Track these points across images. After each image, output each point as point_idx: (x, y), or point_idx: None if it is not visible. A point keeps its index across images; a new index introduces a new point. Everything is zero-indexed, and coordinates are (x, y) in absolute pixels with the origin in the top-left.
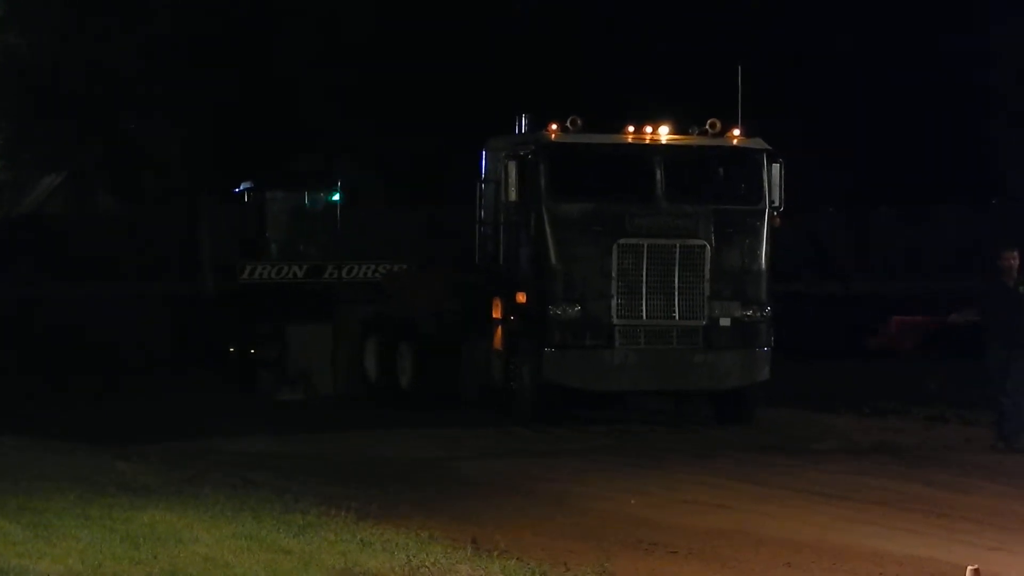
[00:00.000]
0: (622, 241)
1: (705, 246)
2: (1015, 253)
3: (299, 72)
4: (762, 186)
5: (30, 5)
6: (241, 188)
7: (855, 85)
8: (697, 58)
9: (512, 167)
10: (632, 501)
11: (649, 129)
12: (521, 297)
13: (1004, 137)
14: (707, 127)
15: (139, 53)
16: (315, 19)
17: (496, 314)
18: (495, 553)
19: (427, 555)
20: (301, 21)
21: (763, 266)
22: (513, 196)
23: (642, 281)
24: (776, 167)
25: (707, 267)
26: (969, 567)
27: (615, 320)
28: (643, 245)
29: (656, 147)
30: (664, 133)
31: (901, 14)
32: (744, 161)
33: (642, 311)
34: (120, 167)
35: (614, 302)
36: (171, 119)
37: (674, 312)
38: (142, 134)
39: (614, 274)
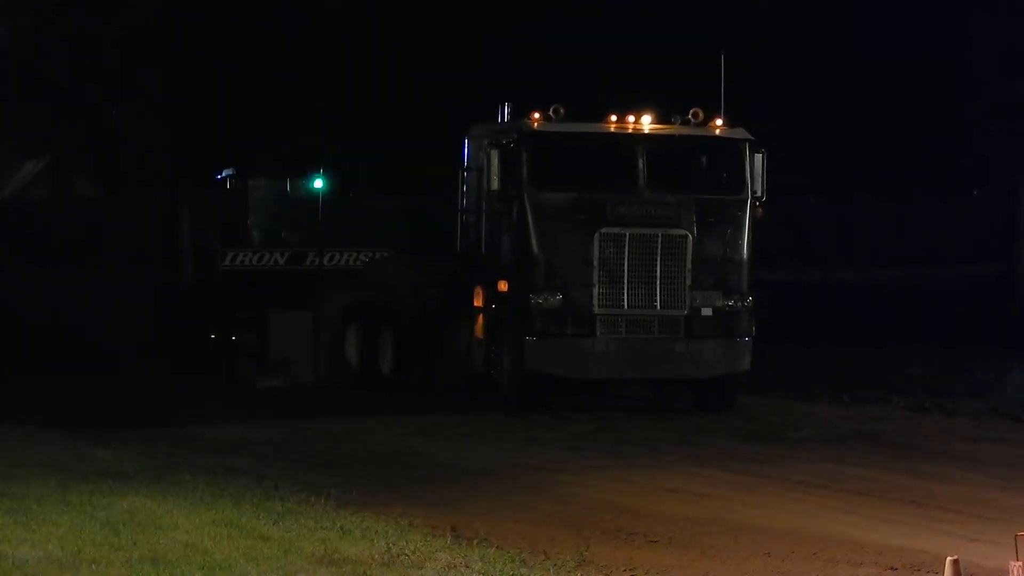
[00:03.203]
0: (604, 230)
1: (687, 236)
2: None
3: (280, 57)
4: (744, 176)
5: None
6: (223, 175)
7: (838, 72)
8: (679, 45)
9: (494, 155)
10: (612, 489)
11: (632, 118)
12: (503, 285)
13: (985, 125)
14: (690, 116)
15: (120, 35)
16: (296, 3)
17: (478, 302)
18: (475, 541)
19: (407, 543)
20: (282, 5)
21: (745, 256)
22: (495, 184)
23: (624, 270)
24: (758, 157)
25: (689, 257)
26: (949, 557)
27: (596, 309)
28: (625, 234)
29: (638, 136)
30: (647, 122)
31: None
32: (726, 151)
33: (623, 300)
34: (101, 151)
35: (596, 291)
36: (152, 103)
37: (656, 301)
38: (123, 118)
39: (596, 263)
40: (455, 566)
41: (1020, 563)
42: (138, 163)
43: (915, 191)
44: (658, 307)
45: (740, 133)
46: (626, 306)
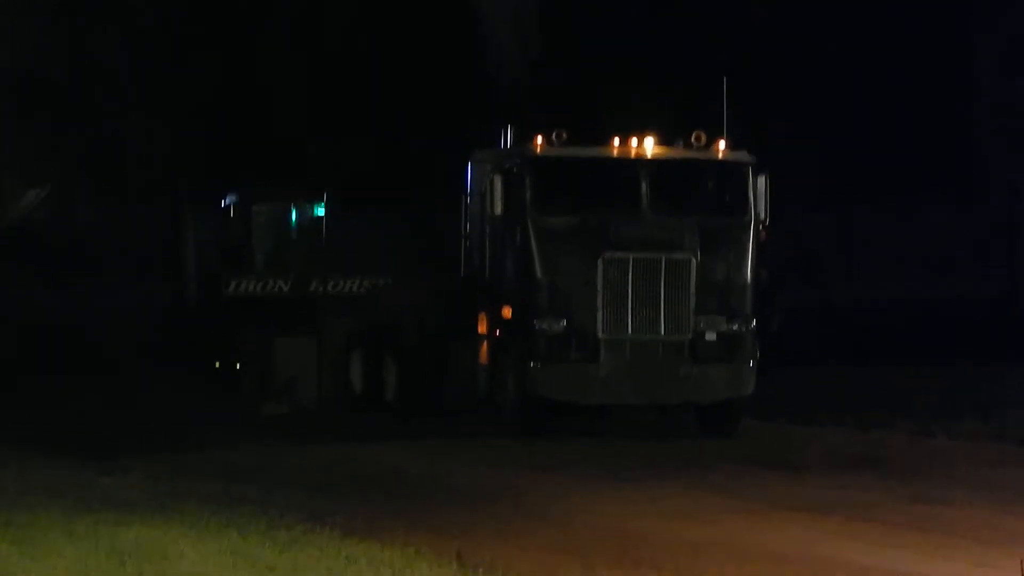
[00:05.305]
0: (608, 254)
1: (691, 259)
2: None
3: (282, 81)
4: (748, 199)
5: (9, 7)
6: (227, 201)
7: (841, 86)
8: (682, 64)
9: (497, 180)
10: (617, 514)
11: (634, 142)
12: (507, 311)
13: (988, 138)
14: (692, 140)
15: (121, 48)
16: (299, 24)
17: (482, 328)
18: (480, 568)
19: (412, 571)
20: (285, 25)
21: (749, 279)
22: (499, 209)
23: (628, 294)
24: (762, 180)
25: (693, 281)
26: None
27: (601, 334)
28: (629, 259)
29: (641, 160)
30: (649, 146)
31: (886, 14)
32: (730, 174)
33: (628, 325)
34: (102, 164)
35: (600, 316)
36: (155, 116)
37: (660, 326)
38: (125, 130)
39: (600, 287)
40: None
41: None
42: (140, 174)
43: (918, 208)
44: (662, 331)
45: (743, 156)
46: (630, 331)
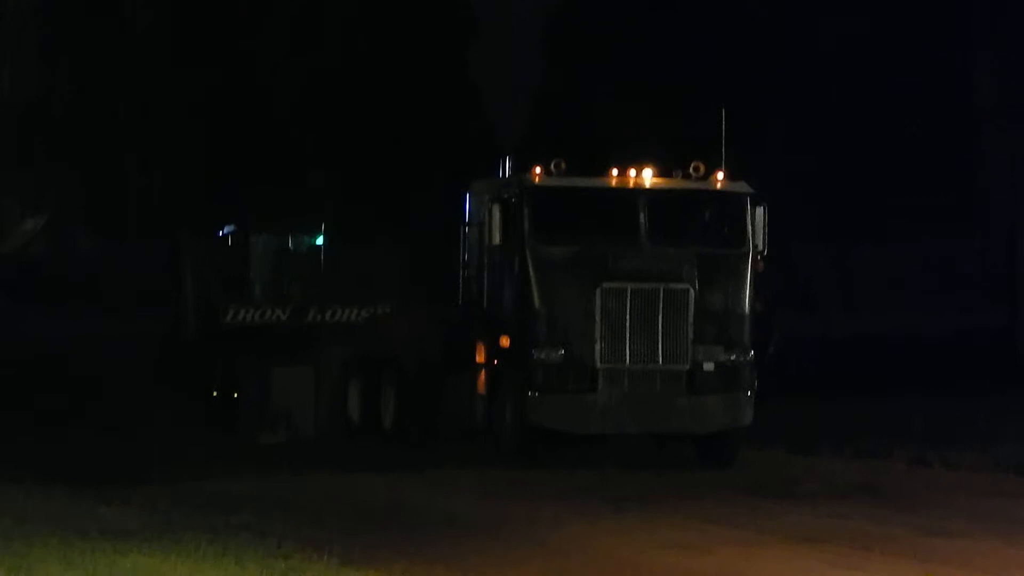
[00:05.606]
0: (606, 284)
1: (689, 290)
2: None
3: (281, 108)
4: (745, 230)
5: (10, 42)
6: (225, 231)
7: (838, 117)
8: (679, 95)
9: (496, 210)
10: (614, 543)
11: (633, 172)
12: (504, 340)
13: (987, 168)
14: (691, 170)
15: (120, 80)
16: (298, 54)
17: (479, 357)
18: None
19: None
20: (281, 52)
21: (747, 309)
22: (497, 239)
23: (626, 324)
24: (760, 210)
25: (691, 311)
26: None
27: (599, 364)
28: (627, 289)
29: (640, 191)
30: (648, 177)
31: (885, 43)
32: (728, 205)
33: (626, 355)
34: (101, 194)
35: (598, 346)
36: (153, 146)
37: (658, 356)
38: (124, 161)
39: (598, 317)
40: None
41: None
42: (140, 215)
43: (916, 239)
44: (660, 361)
45: (741, 187)
46: (628, 361)
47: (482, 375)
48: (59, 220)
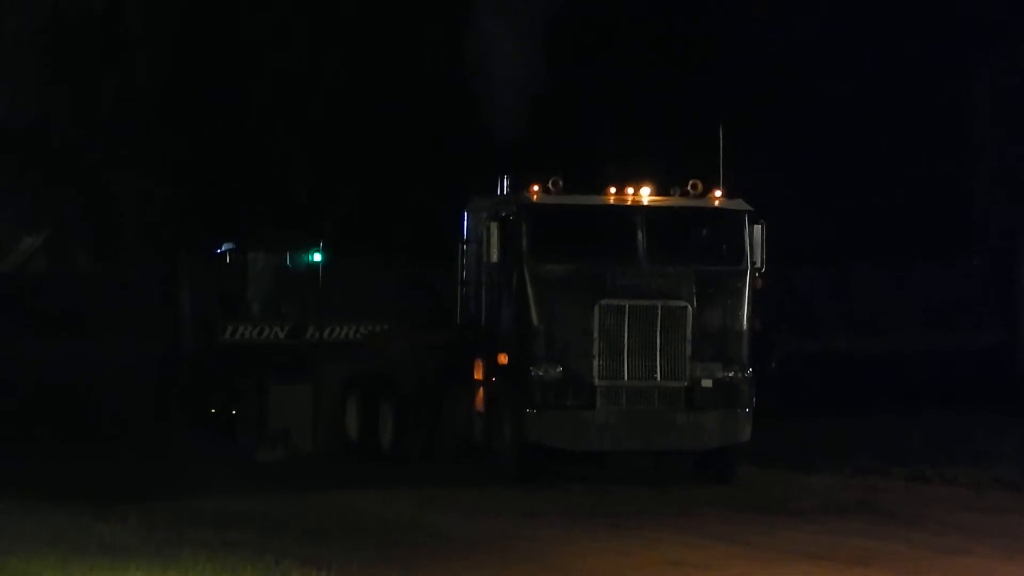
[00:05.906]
0: (604, 302)
1: (687, 307)
2: None
3: (278, 130)
4: (744, 247)
5: (9, 62)
6: (223, 249)
7: (837, 138)
8: (677, 114)
9: (494, 228)
10: (612, 561)
11: (631, 190)
12: (503, 358)
13: (985, 193)
14: (689, 188)
15: (117, 100)
16: (295, 73)
17: (478, 375)
18: None
19: None
20: (280, 75)
21: (745, 327)
22: (495, 257)
23: (624, 342)
24: (758, 228)
25: (689, 328)
26: None
27: (597, 381)
28: (625, 306)
29: (638, 208)
30: (646, 194)
31: (886, 70)
32: (726, 222)
33: (624, 372)
34: (98, 213)
35: (596, 363)
36: (151, 165)
37: (656, 373)
38: (121, 180)
39: (596, 335)
40: None
41: None
42: (137, 233)
43: (915, 258)
44: (659, 379)
45: (739, 204)
46: (626, 378)
47: (480, 392)
48: (59, 237)
